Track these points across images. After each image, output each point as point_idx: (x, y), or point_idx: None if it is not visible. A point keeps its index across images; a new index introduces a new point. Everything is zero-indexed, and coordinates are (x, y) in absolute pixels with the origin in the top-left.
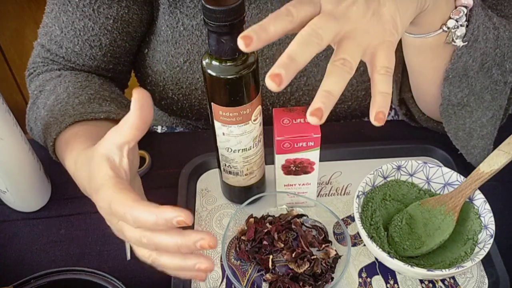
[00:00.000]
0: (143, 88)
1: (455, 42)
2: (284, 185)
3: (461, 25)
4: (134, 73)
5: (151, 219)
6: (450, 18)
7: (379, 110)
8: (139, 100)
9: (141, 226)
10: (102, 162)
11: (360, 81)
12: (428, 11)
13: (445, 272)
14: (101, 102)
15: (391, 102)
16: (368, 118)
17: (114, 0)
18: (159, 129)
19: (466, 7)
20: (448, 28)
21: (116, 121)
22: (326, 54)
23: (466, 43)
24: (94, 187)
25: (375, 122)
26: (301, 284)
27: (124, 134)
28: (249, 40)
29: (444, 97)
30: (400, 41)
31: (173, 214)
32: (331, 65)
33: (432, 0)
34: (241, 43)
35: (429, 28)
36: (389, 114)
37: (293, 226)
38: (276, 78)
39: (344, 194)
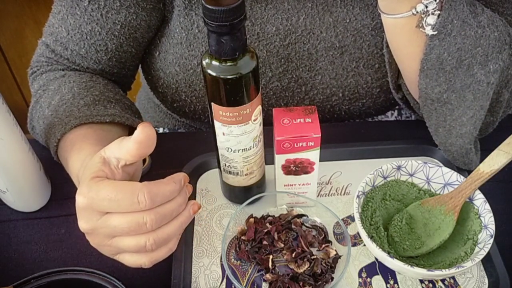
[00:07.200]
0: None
1: (424, 29)
2: (284, 185)
3: (432, 13)
4: (144, 77)
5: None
6: (421, 2)
7: None
8: (142, 135)
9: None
10: (97, 160)
11: (375, 78)
12: None
13: (445, 272)
14: (106, 104)
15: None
16: (372, 118)
17: (122, 6)
18: (160, 130)
19: None
20: (418, 12)
21: (120, 124)
22: (341, 51)
23: (436, 33)
24: (81, 179)
25: None
26: (301, 284)
27: (122, 152)
28: None
29: (421, 89)
30: None
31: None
32: None
33: None
34: None
35: (399, 8)
36: (392, 114)
37: (293, 226)
38: None
39: (344, 194)
